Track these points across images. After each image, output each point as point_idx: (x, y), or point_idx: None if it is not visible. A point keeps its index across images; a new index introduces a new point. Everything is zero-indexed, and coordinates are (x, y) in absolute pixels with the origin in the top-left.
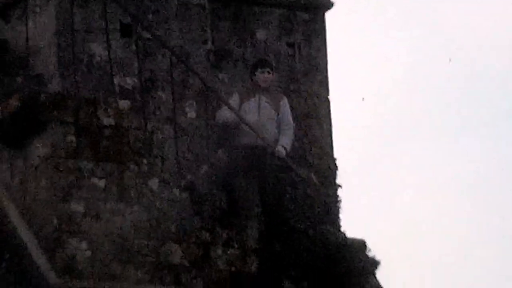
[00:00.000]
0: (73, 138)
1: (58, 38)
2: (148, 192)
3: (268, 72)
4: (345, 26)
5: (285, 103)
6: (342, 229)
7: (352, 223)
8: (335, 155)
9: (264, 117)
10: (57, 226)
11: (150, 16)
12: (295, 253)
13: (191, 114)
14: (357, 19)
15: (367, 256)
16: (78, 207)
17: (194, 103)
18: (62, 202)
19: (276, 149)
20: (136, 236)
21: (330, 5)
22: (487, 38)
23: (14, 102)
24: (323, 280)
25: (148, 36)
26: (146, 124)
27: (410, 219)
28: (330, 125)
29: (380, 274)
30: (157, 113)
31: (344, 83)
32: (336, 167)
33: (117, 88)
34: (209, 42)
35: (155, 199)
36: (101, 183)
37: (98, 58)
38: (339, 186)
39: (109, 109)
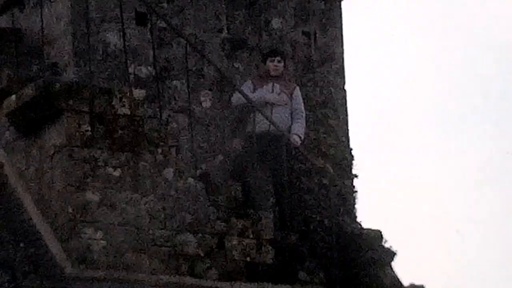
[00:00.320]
0: (88, 128)
1: (73, 27)
2: (163, 182)
3: (279, 61)
4: (361, 15)
5: (297, 92)
6: (358, 219)
7: (368, 213)
8: (351, 145)
9: (278, 103)
10: (72, 216)
11: (165, 5)
12: (310, 243)
13: (206, 103)
14: (373, 8)
15: (383, 246)
16: (93, 196)
17: (209, 92)
18: (77, 191)
19: (292, 138)
20: (151, 225)
21: None
22: None
23: (29, 91)
24: (338, 271)
25: (163, 25)
26: (161, 114)
27: (427, 210)
28: (346, 114)
29: (397, 265)
30: (172, 102)
31: (361, 72)
32: (352, 157)
33: (132, 77)
34: (224, 31)
35: (170, 189)
36: (116, 173)
37: (113, 47)
38: (355, 176)
39: (124, 98)
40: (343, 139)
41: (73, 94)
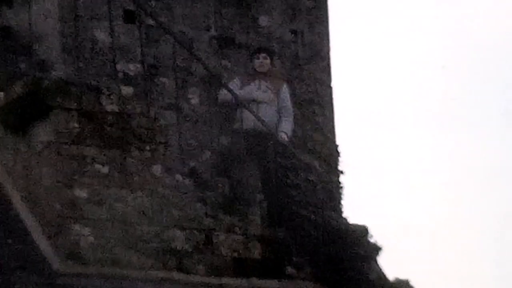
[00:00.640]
0: (76, 124)
1: (61, 24)
2: (151, 178)
3: (264, 58)
4: (348, 13)
5: (285, 89)
6: (344, 215)
7: (354, 209)
8: (338, 141)
9: (264, 100)
10: (61, 212)
11: (153, 3)
12: (297, 239)
13: (194, 100)
14: (359, 5)
15: (369, 241)
16: (81, 193)
17: (197, 89)
18: (66, 188)
19: (279, 136)
20: (139, 222)
21: None
22: None
23: (17, 88)
24: (325, 265)
25: (152, 22)
26: (149, 111)
27: (412, 205)
28: (333, 111)
29: (382, 260)
30: (160, 99)
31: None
32: (338, 153)
33: (120, 75)
34: (212, 29)
35: (158, 185)
36: (104, 169)
37: (101, 44)
38: (342, 172)
39: (112, 96)
40: (330, 135)
41: (61, 91)
